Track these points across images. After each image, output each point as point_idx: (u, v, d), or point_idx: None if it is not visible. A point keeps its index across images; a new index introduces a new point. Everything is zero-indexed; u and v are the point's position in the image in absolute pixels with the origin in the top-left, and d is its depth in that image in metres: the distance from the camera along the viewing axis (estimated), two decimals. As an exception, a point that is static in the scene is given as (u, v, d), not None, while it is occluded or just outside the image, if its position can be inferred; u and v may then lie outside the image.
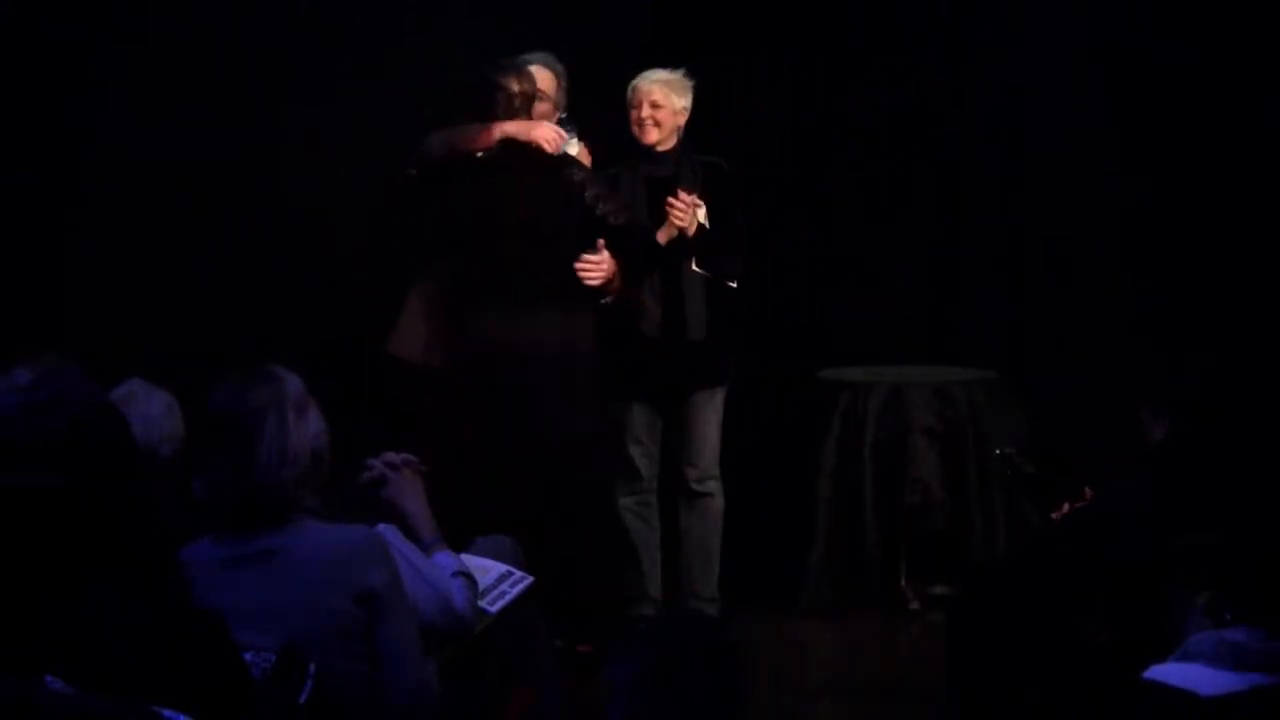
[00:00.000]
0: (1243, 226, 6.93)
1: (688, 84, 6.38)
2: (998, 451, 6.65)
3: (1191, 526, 4.20)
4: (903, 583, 6.77)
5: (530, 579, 4.34)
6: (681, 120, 6.38)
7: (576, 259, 5.88)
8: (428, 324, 6.10)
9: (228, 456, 3.63)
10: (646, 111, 6.34)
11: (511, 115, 5.94)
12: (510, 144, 5.90)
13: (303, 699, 3.31)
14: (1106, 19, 7.15)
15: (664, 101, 6.35)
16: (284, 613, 3.50)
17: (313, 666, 3.34)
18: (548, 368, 5.84)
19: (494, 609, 4.21)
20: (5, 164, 6.45)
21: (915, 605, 6.74)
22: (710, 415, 6.41)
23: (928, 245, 7.61)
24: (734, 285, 6.32)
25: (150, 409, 4.23)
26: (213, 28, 6.71)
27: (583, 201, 5.92)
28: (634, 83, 6.37)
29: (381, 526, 3.92)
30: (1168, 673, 3.26)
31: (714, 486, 6.46)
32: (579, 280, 5.89)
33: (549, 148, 5.90)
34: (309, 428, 3.69)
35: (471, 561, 4.23)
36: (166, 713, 2.42)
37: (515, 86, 5.97)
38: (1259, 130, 6.92)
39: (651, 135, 6.33)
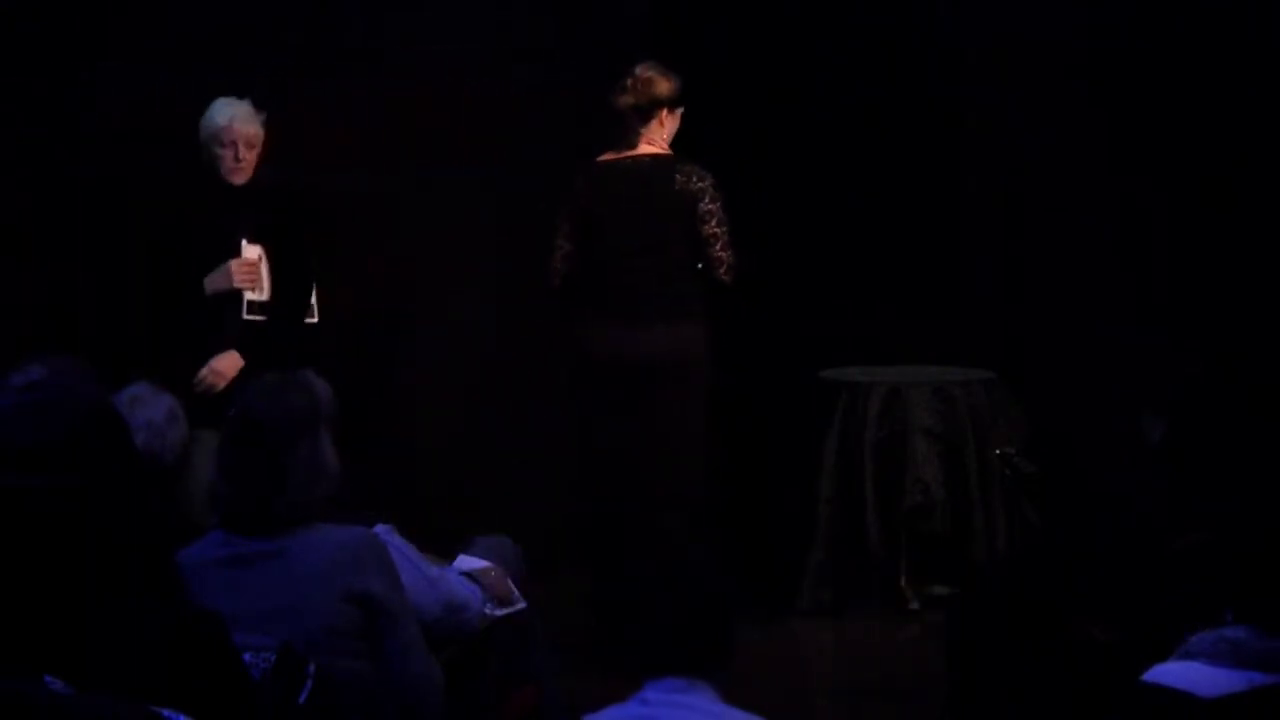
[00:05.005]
0: (1241, 226, 6.94)
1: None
2: (998, 451, 6.65)
3: (1192, 526, 4.20)
4: (903, 583, 6.77)
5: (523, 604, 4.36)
6: None
7: (684, 266, 6.03)
8: None
9: (257, 465, 3.61)
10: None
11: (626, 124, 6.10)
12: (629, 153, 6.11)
13: (303, 699, 3.31)
14: (1101, 22, 7.15)
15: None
16: (283, 613, 3.50)
17: (312, 666, 3.34)
18: (655, 375, 5.99)
19: (499, 613, 4.21)
20: (8, 163, 6.46)
21: (915, 605, 6.73)
22: None
23: (927, 245, 7.61)
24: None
25: (155, 414, 4.24)
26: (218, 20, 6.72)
27: (692, 211, 6.04)
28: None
29: (380, 527, 3.92)
30: (1168, 673, 3.25)
31: None
32: (689, 287, 6.04)
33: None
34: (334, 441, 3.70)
35: (469, 562, 4.24)
36: (166, 713, 2.42)
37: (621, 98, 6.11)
38: (1256, 129, 6.92)
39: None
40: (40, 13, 6.46)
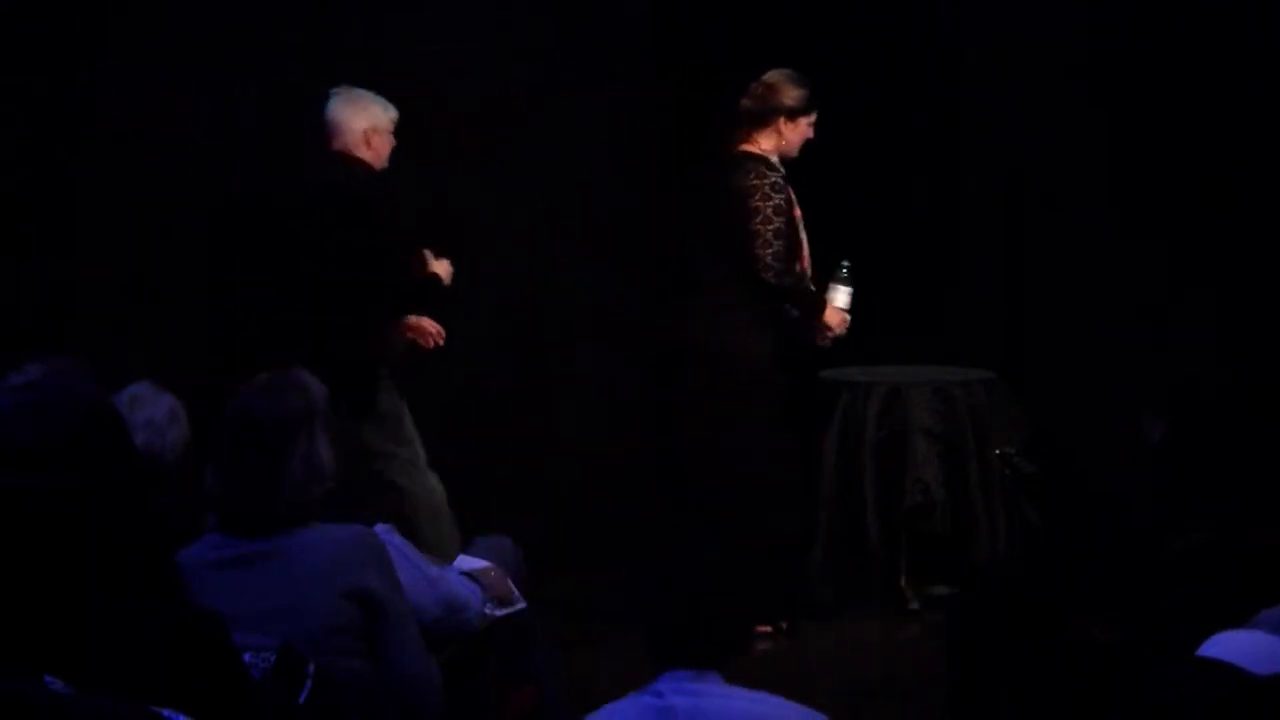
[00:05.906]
0: (1241, 226, 6.94)
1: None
2: (998, 451, 6.65)
3: (1192, 526, 4.20)
4: (903, 583, 6.77)
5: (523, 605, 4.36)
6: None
7: (740, 262, 6.18)
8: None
9: (255, 465, 3.60)
10: None
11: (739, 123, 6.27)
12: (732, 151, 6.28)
13: (302, 699, 3.31)
14: (1101, 22, 7.15)
15: None
16: (283, 612, 3.50)
17: (312, 666, 3.34)
18: (695, 365, 6.26)
19: (499, 613, 4.21)
20: (8, 163, 6.46)
21: (915, 605, 6.73)
22: None
23: (927, 245, 7.61)
24: None
25: (155, 413, 4.22)
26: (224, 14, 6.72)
27: (744, 207, 6.17)
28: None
29: (379, 527, 3.92)
30: (1225, 641, 3.17)
31: None
32: (744, 283, 6.20)
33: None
34: (330, 440, 3.69)
35: (469, 562, 4.23)
36: (166, 713, 2.42)
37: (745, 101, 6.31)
38: (1256, 129, 6.92)
39: None
40: (40, 13, 6.45)
